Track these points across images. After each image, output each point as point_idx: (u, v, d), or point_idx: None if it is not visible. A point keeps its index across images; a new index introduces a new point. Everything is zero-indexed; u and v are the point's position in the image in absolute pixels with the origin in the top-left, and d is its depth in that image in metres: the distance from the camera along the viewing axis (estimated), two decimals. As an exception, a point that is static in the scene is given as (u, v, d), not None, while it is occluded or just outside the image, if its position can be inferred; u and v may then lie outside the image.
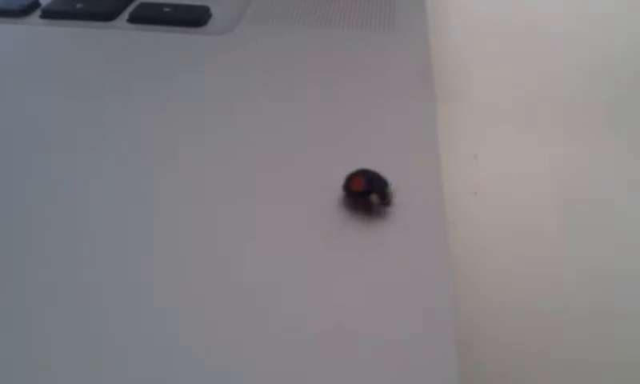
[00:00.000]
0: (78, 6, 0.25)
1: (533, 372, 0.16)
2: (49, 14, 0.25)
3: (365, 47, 0.22)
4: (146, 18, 0.24)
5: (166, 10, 0.25)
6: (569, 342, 0.16)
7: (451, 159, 0.21)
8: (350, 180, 0.15)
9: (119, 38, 0.23)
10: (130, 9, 0.25)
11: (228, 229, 0.14)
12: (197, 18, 0.24)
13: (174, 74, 0.20)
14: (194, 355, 0.11)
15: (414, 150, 0.17)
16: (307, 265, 0.13)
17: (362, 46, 0.22)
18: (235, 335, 0.12)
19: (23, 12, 0.25)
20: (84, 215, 0.14)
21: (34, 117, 0.18)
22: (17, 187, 0.15)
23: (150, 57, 0.22)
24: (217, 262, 0.13)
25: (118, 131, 0.18)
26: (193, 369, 0.11)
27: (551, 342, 0.16)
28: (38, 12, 0.25)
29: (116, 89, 0.20)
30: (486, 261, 0.18)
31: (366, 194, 0.14)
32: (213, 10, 0.25)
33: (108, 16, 0.24)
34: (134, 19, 0.24)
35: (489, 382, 0.15)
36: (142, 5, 0.25)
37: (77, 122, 0.18)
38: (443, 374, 0.11)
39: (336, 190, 0.15)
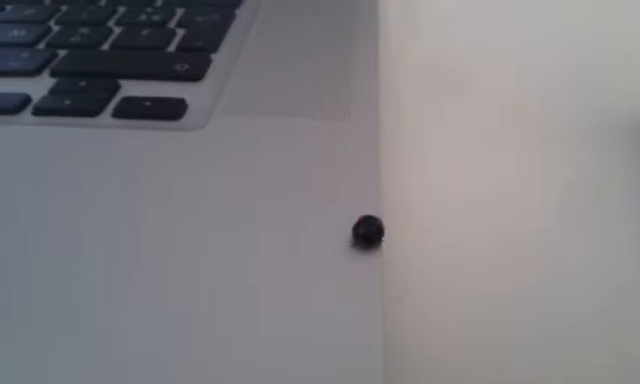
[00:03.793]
0: (66, 102, 0.27)
1: None
2: (40, 112, 0.27)
3: (326, 137, 0.25)
4: (129, 112, 0.27)
5: (147, 104, 0.27)
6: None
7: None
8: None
9: (101, 137, 0.25)
10: (114, 102, 0.28)
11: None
12: (174, 112, 0.27)
13: (150, 174, 0.23)
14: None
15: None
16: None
17: (323, 136, 0.25)
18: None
19: (14, 110, 0.27)
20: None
21: (17, 216, 0.21)
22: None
23: (131, 157, 0.24)
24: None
25: (102, 231, 0.20)
26: None
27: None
28: (30, 109, 0.27)
29: (96, 189, 0.22)
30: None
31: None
32: (188, 101, 0.28)
33: (93, 112, 0.27)
34: (118, 114, 0.27)
35: None
36: (124, 100, 0.28)
37: (58, 220, 0.21)
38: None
39: (299, 262, 0.19)
